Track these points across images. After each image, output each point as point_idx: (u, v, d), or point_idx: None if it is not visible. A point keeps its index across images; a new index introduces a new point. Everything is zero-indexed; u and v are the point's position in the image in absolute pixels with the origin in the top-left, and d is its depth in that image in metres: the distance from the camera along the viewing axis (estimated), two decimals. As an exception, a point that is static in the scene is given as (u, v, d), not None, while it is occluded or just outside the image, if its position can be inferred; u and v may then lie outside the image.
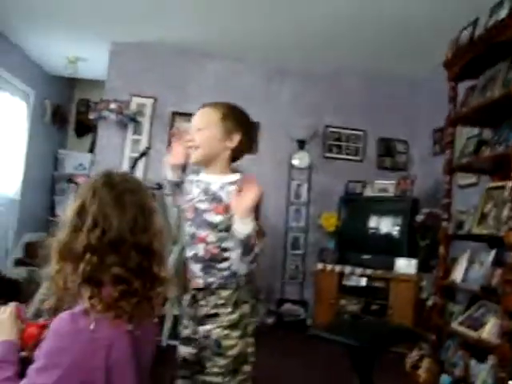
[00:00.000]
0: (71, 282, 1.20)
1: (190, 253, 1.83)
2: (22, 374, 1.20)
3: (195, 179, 1.88)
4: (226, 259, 1.76)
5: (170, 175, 1.95)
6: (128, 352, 1.21)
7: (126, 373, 1.21)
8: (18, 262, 6.35)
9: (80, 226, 1.21)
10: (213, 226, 1.76)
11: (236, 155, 1.88)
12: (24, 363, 1.23)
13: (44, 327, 1.33)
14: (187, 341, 1.84)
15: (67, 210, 1.25)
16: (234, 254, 1.71)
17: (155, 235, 1.30)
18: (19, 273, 6.01)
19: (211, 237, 1.76)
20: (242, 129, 1.84)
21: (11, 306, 1.35)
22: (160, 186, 3.31)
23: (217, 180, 1.82)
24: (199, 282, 1.80)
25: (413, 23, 4.53)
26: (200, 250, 1.79)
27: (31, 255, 6.47)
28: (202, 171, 1.89)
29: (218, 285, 1.76)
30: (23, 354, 1.30)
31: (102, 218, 1.21)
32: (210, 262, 1.77)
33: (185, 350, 1.84)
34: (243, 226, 1.63)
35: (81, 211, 1.22)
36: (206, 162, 1.86)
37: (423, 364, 3.65)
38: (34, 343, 1.29)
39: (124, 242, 1.22)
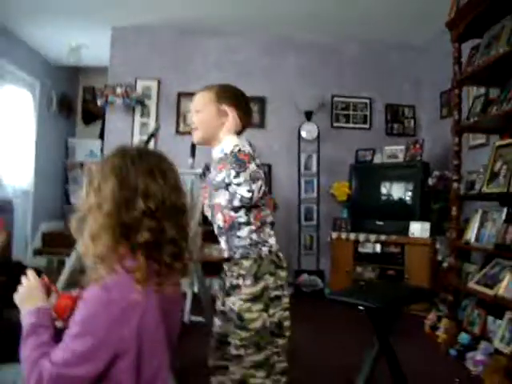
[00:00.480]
0: (115, 255, 1.23)
1: (215, 229, 1.90)
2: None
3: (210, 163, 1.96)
4: (242, 224, 1.80)
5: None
6: (159, 321, 1.26)
7: (156, 341, 1.25)
8: (37, 252, 6.47)
9: (128, 195, 1.24)
10: (222, 186, 1.80)
11: (235, 130, 1.90)
12: (60, 334, 1.25)
13: (78, 298, 1.37)
14: (218, 313, 1.89)
15: (98, 193, 1.25)
16: (232, 174, 1.72)
17: (185, 195, 1.37)
18: (39, 262, 6.13)
19: (222, 199, 1.81)
20: (236, 104, 1.91)
21: (34, 274, 1.36)
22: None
23: (216, 150, 1.88)
24: (225, 253, 1.87)
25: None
26: (219, 220, 1.85)
27: (49, 244, 6.58)
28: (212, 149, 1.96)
29: (240, 255, 1.81)
30: (59, 324, 1.32)
31: (151, 185, 1.25)
32: (231, 232, 1.82)
33: (216, 322, 1.90)
34: (226, 143, 1.77)
35: (125, 181, 1.25)
36: (208, 141, 1.94)
37: (441, 324, 3.70)
38: (70, 314, 1.33)
39: (169, 206, 1.27)
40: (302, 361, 3.10)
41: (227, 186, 1.77)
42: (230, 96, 1.94)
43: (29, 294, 1.32)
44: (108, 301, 1.17)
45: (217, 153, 1.87)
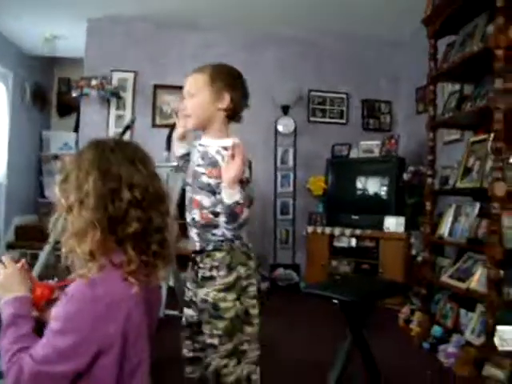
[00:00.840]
0: (100, 247, 1.20)
1: (188, 218, 1.86)
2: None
3: (197, 144, 1.91)
4: (219, 226, 1.78)
5: (178, 151, 2.01)
6: (143, 315, 1.24)
7: (140, 335, 1.24)
8: (10, 246, 6.37)
9: (113, 186, 1.20)
10: (207, 190, 1.78)
11: (231, 114, 1.87)
12: (35, 323, 1.24)
13: (54, 288, 1.34)
14: (190, 303, 1.89)
15: (78, 189, 1.21)
16: (222, 219, 1.73)
17: (162, 183, 1.34)
18: (12, 256, 6.03)
19: (205, 201, 1.79)
20: (232, 87, 1.83)
21: (11, 262, 1.33)
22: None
23: (213, 144, 1.83)
24: (196, 245, 1.84)
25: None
26: (196, 214, 1.82)
27: (22, 238, 6.48)
28: (203, 135, 1.91)
29: (213, 247, 1.80)
30: (34, 313, 1.30)
31: (134, 175, 1.23)
32: (205, 228, 1.80)
33: (187, 312, 1.90)
34: (229, 196, 1.66)
35: (106, 173, 1.21)
36: (202, 127, 1.88)
37: (415, 318, 3.75)
38: (46, 303, 1.31)
39: (153, 194, 1.25)
40: (276, 354, 3.12)
41: (214, 192, 1.76)
42: (226, 77, 1.85)
43: (7, 283, 1.29)
44: (93, 297, 1.15)
45: (210, 145, 1.83)
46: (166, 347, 2.14)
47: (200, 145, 1.89)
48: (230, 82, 1.85)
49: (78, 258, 1.20)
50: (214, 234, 1.80)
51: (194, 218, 1.83)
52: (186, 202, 1.89)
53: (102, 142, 1.30)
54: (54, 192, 1.28)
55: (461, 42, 3.63)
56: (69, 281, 1.23)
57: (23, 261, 1.36)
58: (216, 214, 1.77)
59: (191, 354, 1.88)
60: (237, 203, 1.65)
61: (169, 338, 2.01)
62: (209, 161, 1.81)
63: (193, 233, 1.85)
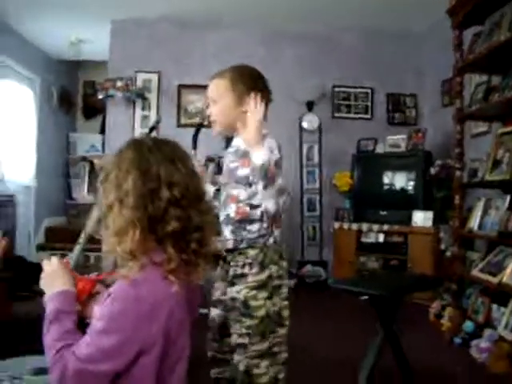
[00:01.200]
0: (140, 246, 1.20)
1: (222, 216, 1.86)
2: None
3: (230, 146, 1.92)
4: (254, 221, 1.79)
5: (211, 190, 1.99)
6: (184, 313, 1.25)
7: (182, 334, 1.25)
8: (40, 247, 6.47)
9: (152, 186, 1.20)
10: (243, 183, 1.79)
11: None
12: (79, 320, 1.25)
13: (95, 282, 1.36)
14: (217, 302, 1.89)
15: (118, 188, 1.21)
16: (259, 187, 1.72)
17: (201, 181, 1.35)
18: (43, 257, 6.13)
19: (242, 194, 1.80)
20: (254, 88, 1.84)
21: (57, 258, 1.33)
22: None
23: (243, 141, 1.84)
24: (229, 243, 1.83)
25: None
26: (231, 210, 1.82)
27: (52, 239, 6.58)
28: (234, 137, 1.93)
29: (247, 244, 1.80)
30: (77, 307, 1.30)
31: (174, 173, 1.22)
32: (240, 224, 1.80)
33: (215, 312, 1.90)
34: (257, 157, 1.68)
35: (146, 172, 1.21)
36: (229, 131, 1.91)
37: (446, 313, 3.70)
38: (87, 297, 1.32)
39: (193, 192, 1.25)
40: (306, 351, 3.10)
41: (250, 184, 1.76)
42: (247, 80, 1.86)
43: (51, 278, 1.29)
44: (137, 297, 1.15)
45: (240, 144, 1.85)
46: (196, 346, 2.14)
47: (231, 146, 1.91)
48: (251, 84, 1.86)
49: (119, 257, 1.21)
50: (248, 231, 1.80)
51: (228, 215, 1.83)
52: (221, 201, 1.89)
53: (141, 141, 1.30)
54: (96, 191, 1.29)
55: (487, 31, 3.56)
56: (107, 274, 1.25)
57: (67, 258, 1.37)
58: (252, 207, 1.78)
59: (219, 356, 1.88)
60: (268, 164, 1.66)
61: (199, 336, 2.01)
62: (241, 153, 1.82)
63: (227, 230, 1.84)
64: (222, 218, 1.86)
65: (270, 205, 1.76)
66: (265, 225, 1.79)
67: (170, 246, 1.20)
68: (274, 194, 1.73)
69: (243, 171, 1.79)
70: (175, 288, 1.18)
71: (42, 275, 1.29)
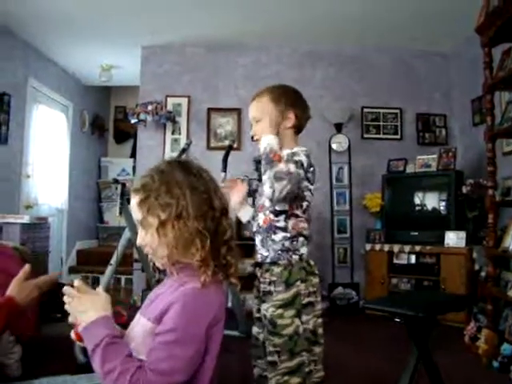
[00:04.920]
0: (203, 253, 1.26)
1: (254, 227, 1.93)
2: None
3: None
4: (278, 229, 1.82)
5: (244, 217, 2.06)
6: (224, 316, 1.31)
7: (219, 335, 1.29)
8: (72, 270, 6.56)
9: (205, 197, 1.29)
10: None
11: (299, 128, 1.96)
12: None
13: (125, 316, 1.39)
14: (256, 320, 1.92)
15: (168, 204, 1.26)
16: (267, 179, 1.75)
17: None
18: (74, 280, 6.21)
19: (267, 201, 1.85)
20: (293, 104, 1.92)
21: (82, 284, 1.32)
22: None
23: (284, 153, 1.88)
24: (258, 256, 1.89)
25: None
26: (260, 219, 1.89)
27: (83, 262, 6.68)
28: None
29: (271, 259, 1.82)
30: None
31: (215, 189, 1.33)
32: (267, 233, 1.84)
33: (255, 330, 1.93)
34: (262, 143, 1.79)
35: (195, 186, 1.29)
36: None
37: (482, 335, 3.61)
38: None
39: (217, 206, 1.31)
40: (340, 374, 3.06)
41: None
42: (286, 97, 1.92)
43: (83, 305, 1.25)
44: (207, 303, 1.22)
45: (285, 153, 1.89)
46: (228, 369, 2.15)
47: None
48: (290, 100, 1.92)
49: (170, 267, 1.29)
50: (273, 240, 1.83)
51: (258, 224, 1.89)
52: (254, 213, 1.97)
53: (185, 161, 1.39)
54: (132, 212, 1.34)
55: (518, 48, 3.53)
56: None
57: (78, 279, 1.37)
58: (276, 214, 1.83)
59: (265, 373, 1.87)
60: (271, 150, 1.74)
61: (231, 359, 2.01)
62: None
63: (257, 240, 1.90)
64: (254, 228, 1.93)
65: (265, 187, 1.77)
66: (288, 234, 1.81)
67: (227, 253, 1.30)
68: (271, 177, 1.73)
69: None
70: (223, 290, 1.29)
71: (74, 305, 1.26)
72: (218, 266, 1.28)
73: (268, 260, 1.83)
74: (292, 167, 1.74)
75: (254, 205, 2.08)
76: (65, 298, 1.27)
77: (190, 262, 1.26)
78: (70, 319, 1.28)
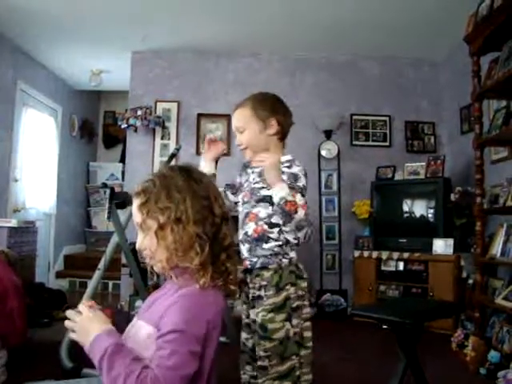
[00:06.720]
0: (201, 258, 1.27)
1: (240, 235, 1.92)
2: None
3: (254, 166, 1.97)
4: (271, 239, 1.83)
5: (207, 169, 2.06)
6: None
7: (215, 342, 1.29)
8: (60, 274, 6.53)
9: (205, 203, 1.30)
10: (265, 201, 1.85)
11: (283, 134, 1.98)
12: None
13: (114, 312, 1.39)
14: (244, 326, 1.92)
15: (167, 207, 1.28)
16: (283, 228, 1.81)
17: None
18: (62, 284, 6.18)
19: (262, 212, 1.85)
20: (275, 112, 1.94)
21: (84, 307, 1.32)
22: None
23: None
24: (247, 264, 1.88)
25: (428, 4, 4.48)
26: (250, 228, 1.87)
27: (71, 267, 6.65)
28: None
29: (261, 264, 1.82)
30: None
31: (216, 195, 1.35)
32: (257, 242, 1.84)
33: (243, 336, 1.93)
34: (275, 193, 1.73)
35: (196, 191, 1.31)
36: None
37: (469, 342, 3.62)
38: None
39: (217, 213, 1.33)
40: (328, 378, 3.06)
41: (272, 204, 1.79)
42: (267, 105, 1.95)
43: (85, 326, 1.26)
44: (205, 304, 1.24)
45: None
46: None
47: (257, 166, 1.94)
48: (272, 108, 1.95)
49: (169, 271, 1.31)
50: (263, 249, 1.83)
51: (246, 233, 1.88)
52: (240, 220, 1.95)
53: (185, 166, 1.40)
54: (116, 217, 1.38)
55: (505, 57, 3.56)
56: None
57: (92, 302, 1.37)
58: (271, 225, 1.83)
59: (252, 381, 1.88)
60: (285, 200, 1.70)
61: (219, 364, 2.00)
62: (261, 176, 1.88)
63: (244, 249, 1.89)
64: (240, 236, 1.91)
65: (289, 238, 1.82)
66: (280, 242, 1.83)
67: (225, 259, 1.31)
68: (293, 229, 1.77)
69: (267, 192, 1.82)
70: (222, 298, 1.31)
71: (76, 327, 1.27)
72: (217, 272, 1.29)
73: (258, 265, 1.83)
74: (300, 199, 1.75)
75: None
76: (66, 323, 1.29)
77: (188, 267, 1.27)
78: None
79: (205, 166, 2.09)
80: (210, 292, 1.26)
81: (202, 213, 1.28)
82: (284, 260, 1.82)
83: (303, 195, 1.78)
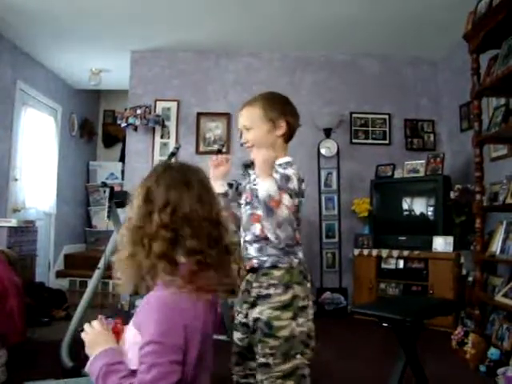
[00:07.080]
0: (146, 263, 1.26)
1: (248, 236, 1.89)
2: None
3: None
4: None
5: (219, 189, 2.02)
6: (211, 325, 1.32)
7: (208, 345, 1.30)
8: (60, 274, 6.52)
9: (150, 209, 1.29)
10: None
11: (290, 135, 1.96)
12: None
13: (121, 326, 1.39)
14: (239, 326, 1.89)
15: (133, 202, 1.34)
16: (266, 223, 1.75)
17: (220, 208, 1.39)
18: (62, 283, 6.17)
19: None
20: (285, 113, 1.92)
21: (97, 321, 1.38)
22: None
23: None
24: (254, 263, 1.84)
25: (427, 3, 4.48)
26: (256, 229, 1.85)
27: (71, 266, 6.64)
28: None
29: (271, 263, 1.81)
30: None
31: (170, 197, 1.29)
32: (266, 241, 1.82)
33: (237, 336, 1.90)
34: (261, 188, 1.70)
35: (147, 196, 1.31)
36: None
37: (469, 340, 3.62)
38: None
39: (194, 216, 1.30)
40: (327, 378, 3.06)
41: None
42: (278, 106, 1.93)
43: (94, 341, 1.32)
44: (181, 310, 1.23)
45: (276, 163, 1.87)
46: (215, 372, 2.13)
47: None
48: (282, 109, 1.93)
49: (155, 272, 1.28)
50: (273, 247, 1.81)
51: (254, 233, 1.86)
52: (243, 222, 1.93)
53: (156, 166, 1.40)
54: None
55: (504, 55, 3.56)
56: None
57: (118, 322, 1.39)
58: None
59: (242, 381, 1.87)
60: (270, 197, 1.67)
61: (218, 362, 2.00)
62: None
63: (252, 249, 1.86)
64: (248, 237, 1.89)
65: (269, 235, 1.77)
66: (290, 242, 1.81)
67: (185, 260, 1.28)
68: (273, 225, 1.72)
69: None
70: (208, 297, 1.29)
71: (87, 341, 1.33)
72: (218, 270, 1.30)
73: (267, 264, 1.81)
74: (287, 200, 1.71)
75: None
76: (82, 335, 1.36)
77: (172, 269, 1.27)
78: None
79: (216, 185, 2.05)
80: (185, 296, 1.24)
81: (145, 216, 1.29)
82: (295, 260, 1.82)
83: (291, 197, 1.75)
